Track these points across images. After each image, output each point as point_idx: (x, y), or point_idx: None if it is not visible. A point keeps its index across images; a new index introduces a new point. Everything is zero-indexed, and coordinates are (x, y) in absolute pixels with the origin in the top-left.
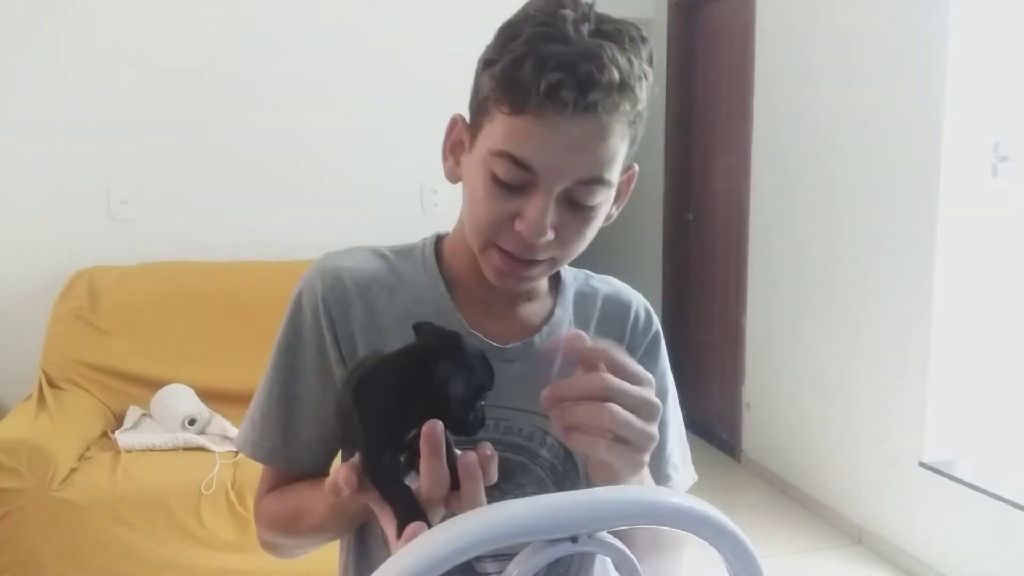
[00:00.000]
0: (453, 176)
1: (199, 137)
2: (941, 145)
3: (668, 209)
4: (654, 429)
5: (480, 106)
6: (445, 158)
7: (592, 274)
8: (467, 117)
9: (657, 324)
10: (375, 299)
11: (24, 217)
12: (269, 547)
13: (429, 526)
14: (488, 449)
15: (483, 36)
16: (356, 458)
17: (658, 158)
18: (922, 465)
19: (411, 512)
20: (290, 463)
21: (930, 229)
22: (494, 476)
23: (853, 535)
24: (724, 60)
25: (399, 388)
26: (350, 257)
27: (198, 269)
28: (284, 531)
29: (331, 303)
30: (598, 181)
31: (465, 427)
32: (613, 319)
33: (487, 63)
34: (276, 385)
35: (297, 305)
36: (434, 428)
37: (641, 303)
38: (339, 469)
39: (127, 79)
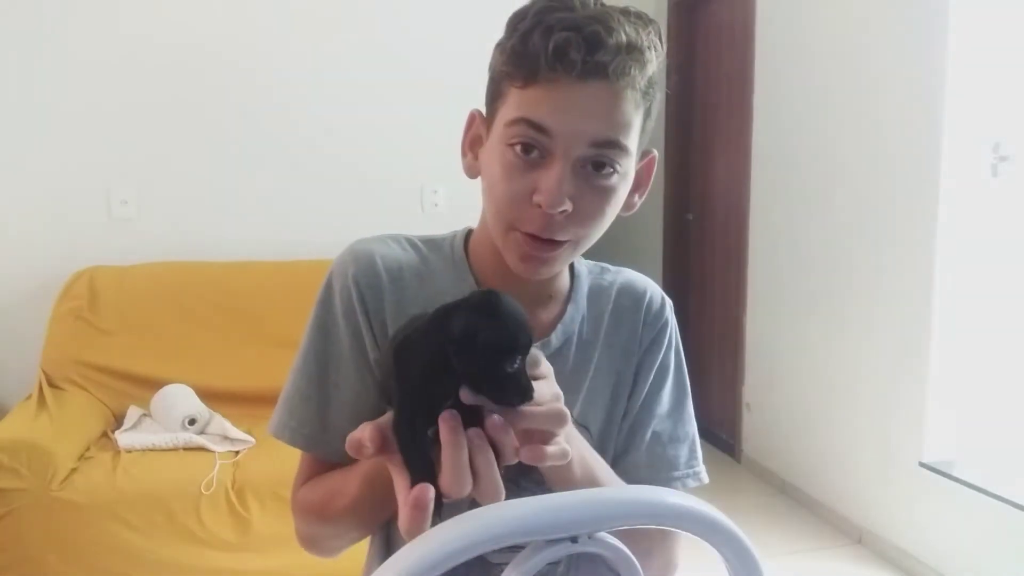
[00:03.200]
0: (472, 171)
1: (199, 137)
2: (941, 145)
3: (668, 209)
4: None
5: (495, 90)
6: (464, 154)
7: (608, 266)
8: (484, 112)
9: (667, 316)
10: (406, 287)
11: (24, 217)
12: (306, 541)
13: (439, 500)
14: (498, 421)
15: (486, 36)
16: (383, 418)
17: (658, 158)
18: (922, 465)
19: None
20: (328, 451)
21: (930, 229)
22: (510, 454)
23: (853, 535)
24: (724, 60)
25: (439, 352)
26: (382, 243)
27: (198, 269)
28: (319, 518)
29: (364, 287)
30: (613, 145)
31: (501, 391)
32: (626, 312)
33: (498, 46)
34: (315, 370)
35: (328, 287)
36: (452, 416)
37: (654, 294)
38: (363, 427)
39: (127, 79)
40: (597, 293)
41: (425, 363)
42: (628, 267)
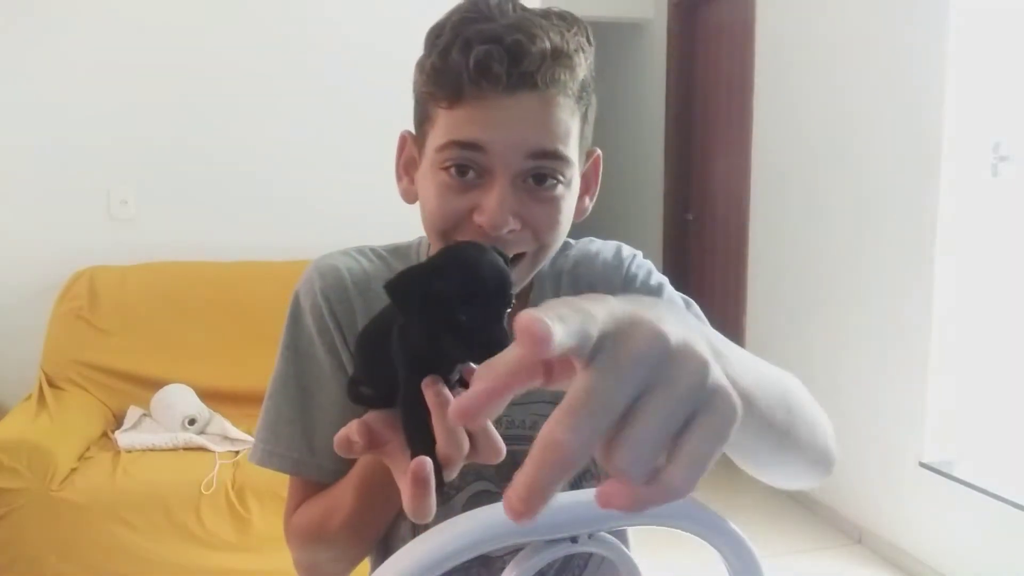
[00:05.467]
0: (408, 196)
1: (199, 138)
2: (941, 145)
3: (668, 209)
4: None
5: (421, 112)
6: (399, 178)
7: (571, 240)
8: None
9: (627, 268)
10: (375, 298)
11: (24, 217)
12: (306, 570)
13: (439, 472)
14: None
15: None
16: (368, 414)
17: (658, 158)
18: (922, 465)
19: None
20: (320, 473)
21: (930, 229)
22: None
23: (853, 535)
24: (724, 60)
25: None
26: (346, 256)
27: (198, 269)
28: (316, 539)
29: (334, 301)
30: (552, 155)
31: (456, 342)
32: (582, 282)
33: (418, 64)
34: (296, 393)
35: (296, 307)
36: (433, 380)
37: (604, 251)
38: (350, 424)
39: (127, 80)
40: (556, 277)
41: (406, 340)
42: None
